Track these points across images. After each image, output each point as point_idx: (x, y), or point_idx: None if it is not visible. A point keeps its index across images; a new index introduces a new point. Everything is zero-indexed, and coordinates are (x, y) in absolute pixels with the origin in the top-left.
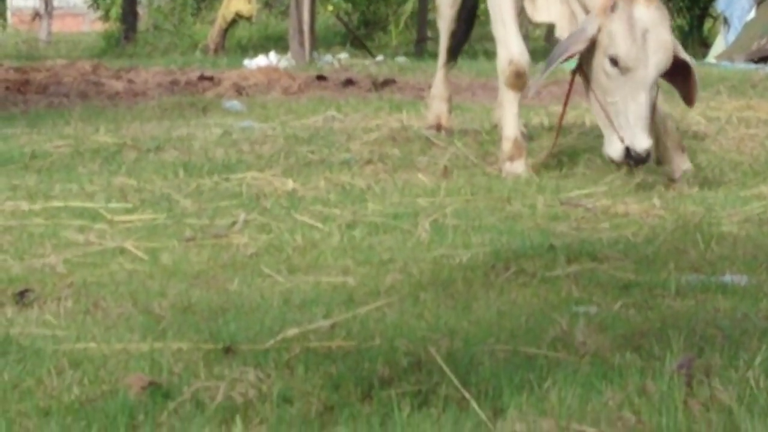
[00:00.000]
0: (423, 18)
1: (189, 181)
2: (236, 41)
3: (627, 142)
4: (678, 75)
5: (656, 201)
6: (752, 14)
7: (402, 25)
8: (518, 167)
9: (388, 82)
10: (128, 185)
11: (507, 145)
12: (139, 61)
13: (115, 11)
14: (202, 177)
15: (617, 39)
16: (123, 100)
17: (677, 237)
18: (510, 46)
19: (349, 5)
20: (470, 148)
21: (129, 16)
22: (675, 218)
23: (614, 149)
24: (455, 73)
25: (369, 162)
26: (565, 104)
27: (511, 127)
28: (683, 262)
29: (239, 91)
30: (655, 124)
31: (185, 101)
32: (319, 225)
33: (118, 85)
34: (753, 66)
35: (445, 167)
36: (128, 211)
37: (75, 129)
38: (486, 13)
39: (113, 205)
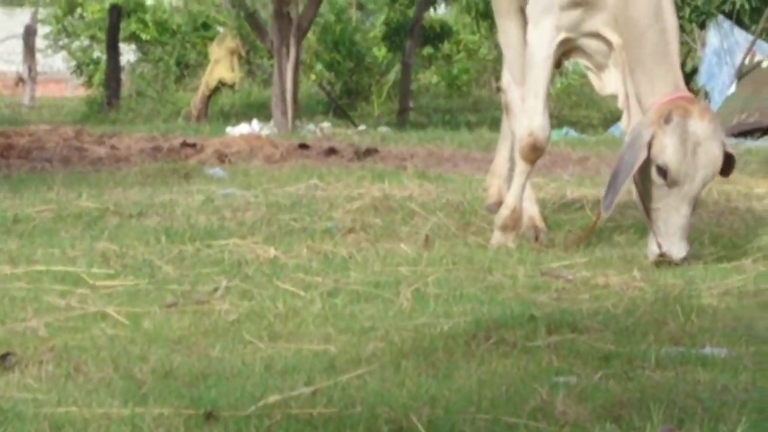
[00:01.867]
0: (405, 88)
1: (171, 248)
2: (219, 109)
3: (664, 249)
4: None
5: (636, 273)
6: (733, 89)
7: (384, 95)
8: (509, 239)
9: (370, 152)
10: (110, 250)
11: (505, 213)
12: (122, 127)
13: (99, 77)
14: (184, 243)
15: (668, 153)
16: (105, 165)
17: (657, 309)
18: (534, 118)
19: (332, 74)
20: (452, 219)
21: (112, 82)
22: (655, 290)
23: (651, 251)
24: (437, 144)
25: (351, 231)
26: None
27: (514, 196)
28: (663, 334)
29: (222, 158)
30: None
31: (168, 168)
32: (301, 293)
33: (101, 151)
34: (733, 140)
35: (427, 237)
36: (110, 276)
37: (57, 194)
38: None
39: (95, 270)
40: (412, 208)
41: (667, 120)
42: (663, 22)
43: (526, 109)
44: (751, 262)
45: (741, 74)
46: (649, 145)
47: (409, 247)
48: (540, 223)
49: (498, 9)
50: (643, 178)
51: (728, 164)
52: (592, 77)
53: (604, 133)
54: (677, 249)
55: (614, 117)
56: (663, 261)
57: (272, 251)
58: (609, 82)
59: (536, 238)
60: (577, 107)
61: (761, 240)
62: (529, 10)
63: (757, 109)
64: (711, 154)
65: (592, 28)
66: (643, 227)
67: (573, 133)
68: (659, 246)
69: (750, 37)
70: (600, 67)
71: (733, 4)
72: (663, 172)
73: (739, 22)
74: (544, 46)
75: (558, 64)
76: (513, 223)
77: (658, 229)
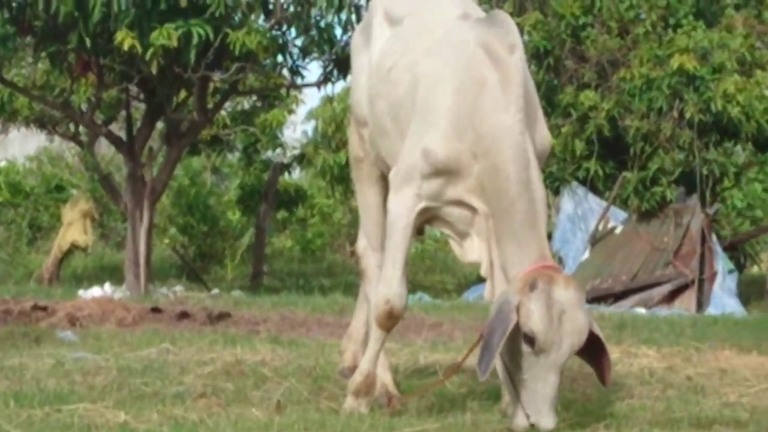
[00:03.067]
0: (259, 253)
1: (19, 412)
2: (72, 271)
3: (532, 420)
4: (591, 351)
5: None
6: (586, 255)
7: (238, 258)
8: (362, 405)
9: (223, 316)
10: None
11: (359, 379)
12: None
13: None
14: (33, 407)
15: (534, 320)
16: None
17: None
18: (391, 286)
19: (186, 238)
20: (304, 384)
21: None
22: None
23: (517, 423)
24: (290, 309)
25: (202, 395)
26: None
27: (369, 362)
28: None
29: (73, 321)
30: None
31: (18, 331)
32: None
33: None
34: (587, 306)
35: (279, 402)
36: None
37: None
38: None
39: None
40: (264, 373)
41: (532, 287)
42: (531, 192)
43: (384, 276)
44: (603, 427)
45: (594, 240)
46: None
47: (261, 412)
48: (393, 389)
49: (358, 175)
50: (510, 349)
51: (602, 355)
52: (454, 245)
53: (458, 299)
54: (546, 420)
55: (468, 282)
56: None
57: (122, 416)
58: (471, 250)
59: (389, 404)
60: (431, 272)
61: (613, 406)
62: (392, 177)
63: (609, 275)
64: (577, 322)
65: (456, 196)
66: (496, 392)
67: (427, 298)
68: (527, 417)
69: (603, 204)
70: (462, 235)
71: (587, 170)
72: (530, 339)
73: (593, 189)
74: (404, 214)
75: (420, 232)
76: (366, 389)
77: (525, 399)
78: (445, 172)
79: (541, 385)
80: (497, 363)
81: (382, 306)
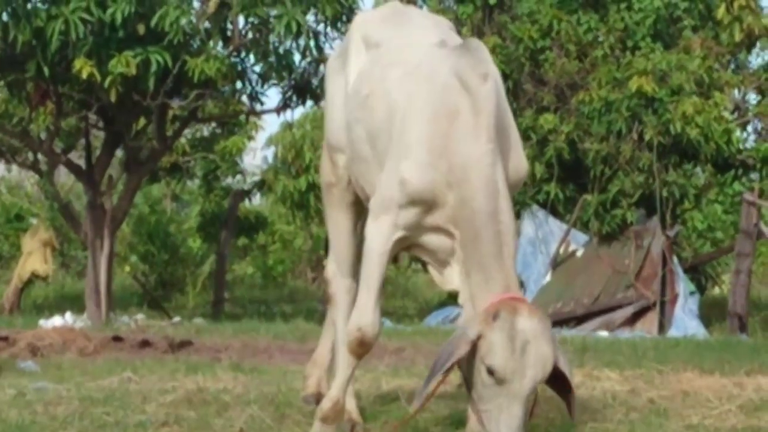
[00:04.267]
0: (220, 280)
1: None
2: (32, 301)
3: None
4: (558, 383)
5: None
6: (548, 278)
7: (199, 286)
8: (328, 431)
9: (184, 344)
10: None
11: (327, 405)
12: None
13: None
14: None
15: (496, 350)
16: None
17: None
18: (364, 314)
19: (147, 266)
20: (266, 411)
21: None
22: None
23: None
24: (252, 336)
25: (164, 424)
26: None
27: (338, 388)
28: None
29: (34, 351)
30: None
31: None
32: None
33: None
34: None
35: (241, 430)
36: None
37: None
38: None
39: None
40: (227, 400)
41: (495, 317)
42: (498, 224)
43: (358, 304)
44: None
45: (556, 263)
46: (475, 345)
47: None
48: (356, 416)
49: (329, 200)
50: (474, 381)
51: (568, 390)
52: (434, 273)
53: (420, 324)
54: None
55: (429, 307)
56: None
57: None
58: (451, 278)
59: (352, 431)
60: (392, 297)
61: (576, 430)
62: (371, 204)
63: (571, 298)
64: (540, 353)
65: (434, 224)
66: (459, 418)
67: (389, 323)
68: None
69: (564, 227)
70: (442, 264)
71: (548, 193)
72: (491, 371)
73: (554, 212)
74: (381, 242)
75: (395, 260)
76: (334, 416)
77: (491, 430)
78: (421, 201)
79: (505, 416)
80: (470, 403)
81: (354, 333)
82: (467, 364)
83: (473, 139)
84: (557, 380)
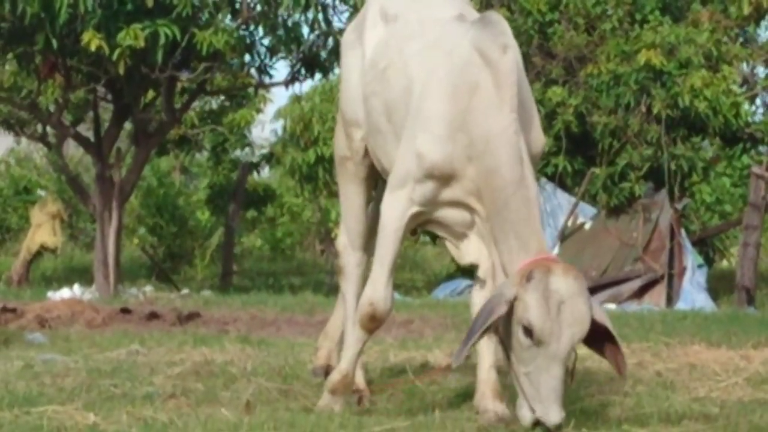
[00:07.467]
0: (229, 252)
1: None
2: (41, 273)
3: (538, 414)
4: (600, 341)
5: None
6: (555, 251)
7: (207, 258)
8: (337, 403)
9: (192, 316)
10: None
11: (336, 377)
12: None
13: None
14: (2, 410)
15: (531, 311)
16: None
17: None
18: (377, 288)
19: (155, 239)
20: (273, 383)
21: None
22: None
23: (523, 416)
24: (260, 308)
25: (172, 396)
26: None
27: (348, 361)
28: None
29: (42, 323)
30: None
31: None
32: None
33: None
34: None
35: (248, 402)
36: None
37: None
38: (291, 247)
39: None
40: (234, 372)
41: (529, 278)
42: (526, 189)
43: (371, 278)
44: (573, 424)
45: (563, 236)
46: (512, 306)
47: (230, 412)
48: (363, 388)
49: (343, 174)
50: (512, 344)
51: (613, 344)
52: (451, 247)
53: (428, 296)
54: (553, 414)
55: (438, 280)
56: (538, 426)
57: (92, 417)
58: (469, 252)
59: (359, 402)
60: (400, 270)
61: (583, 402)
62: (390, 179)
63: (580, 270)
64: (577, 312)
65: (453, 198)
66: (466, 390)
67: (397, 296)
68: (532, 410)
69: (572, 200)
70: (459, 237)
71: (556, 166)
72: (528, 331)
73: (562, 185)
74: (396, 217)
75: (413, 233)
76: (344, 388)
77: (529, 393)
78: (439, 175)
79: (545, 378)
80: (510, 366)
81: (366, 307)
82: (504, 326)
83: (496, 110)
84: (596, 341)
